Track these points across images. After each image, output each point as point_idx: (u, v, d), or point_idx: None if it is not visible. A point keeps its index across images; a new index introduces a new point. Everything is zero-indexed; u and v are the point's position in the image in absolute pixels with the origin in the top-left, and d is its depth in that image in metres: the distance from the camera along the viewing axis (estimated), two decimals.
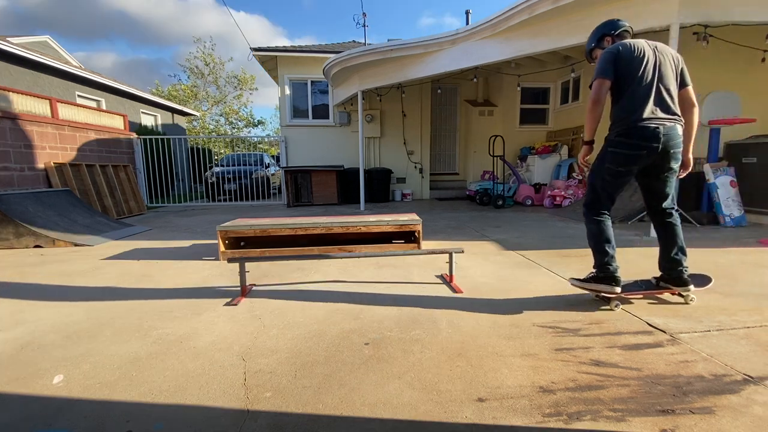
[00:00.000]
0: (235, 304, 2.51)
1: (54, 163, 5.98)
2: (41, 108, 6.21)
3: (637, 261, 3.40)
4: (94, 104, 10.93)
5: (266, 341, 1.98)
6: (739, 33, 5.05)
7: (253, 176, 9.49)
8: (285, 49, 9.35)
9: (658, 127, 2.04)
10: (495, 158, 7.57)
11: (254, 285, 2.93)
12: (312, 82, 9.44)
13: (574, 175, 7.70)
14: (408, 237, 4.00)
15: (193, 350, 1.90)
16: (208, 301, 2.60)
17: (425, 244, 3.98)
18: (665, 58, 2.12)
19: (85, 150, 6.85)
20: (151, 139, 8.75)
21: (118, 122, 8.32)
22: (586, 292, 2.43)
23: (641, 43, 2.12)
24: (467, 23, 10.25)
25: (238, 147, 17.12)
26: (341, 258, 3.58)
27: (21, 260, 3.80)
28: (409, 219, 3.81)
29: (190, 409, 1.44)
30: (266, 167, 10.73)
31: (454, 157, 10.44)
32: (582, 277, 2.37)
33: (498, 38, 5.27)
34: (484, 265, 3.38)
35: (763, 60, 5.47)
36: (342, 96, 8.09)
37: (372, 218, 3.92)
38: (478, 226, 5.39)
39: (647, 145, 2.06)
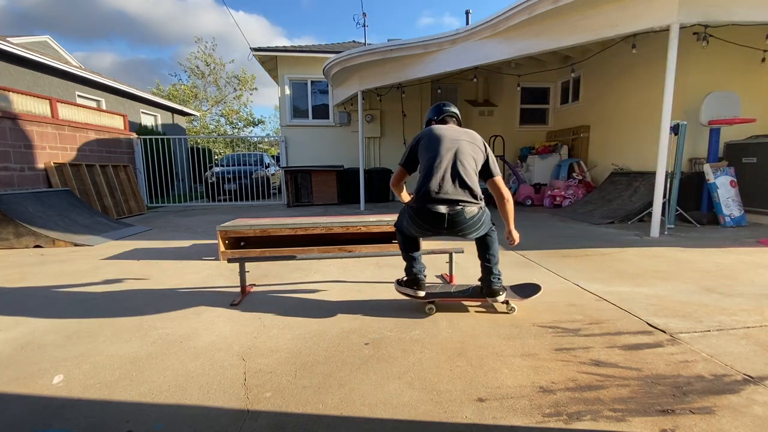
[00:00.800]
0: (235, 304, 2.51)
1: (54, 163, 5.98)
2: (41, 108, 6.21)
3: (637, 261, 3.40)
4: (94, 104, 10.93)
5: (266, 341, 1.98)
6: (739, 33, 5.06)
7: (253, 176, 9.49)
8: (285, 49, 9.35)
9: (442, 214, 2.03)
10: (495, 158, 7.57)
11: (254, 285, 2.94)
12: (312, 82, 9.45)
13: (574, 175, 7.70)
14: None
15: (193, 350, 1.90)
16: (208, 301, 2.60)
17: (425, 244, 3.95)
18: (468, 144, 2.16)
19: (85, 150, 6.85)
20: (151, 139, 8.75)
21: (118, 122, 8.32)
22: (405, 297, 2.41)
23: (443, 128, 2.21)
24: (467, 23, 10.25)
25: (239, 147, 17.14)
26: (341, 258, 3.58)
27: (21, 260, 3.80)
28: None
29: (190, 409, 1.44)
30: (266, 167, 10.72)
31: None
32: (401, 281, 2.42)
33: (498, 38, 5.27)
34: None
35: (763, 60, 5.47)
36: (342, 96, 8.09)
37: (372, 218, 3.92)
38: None
39: (430, 228, 2.12)
